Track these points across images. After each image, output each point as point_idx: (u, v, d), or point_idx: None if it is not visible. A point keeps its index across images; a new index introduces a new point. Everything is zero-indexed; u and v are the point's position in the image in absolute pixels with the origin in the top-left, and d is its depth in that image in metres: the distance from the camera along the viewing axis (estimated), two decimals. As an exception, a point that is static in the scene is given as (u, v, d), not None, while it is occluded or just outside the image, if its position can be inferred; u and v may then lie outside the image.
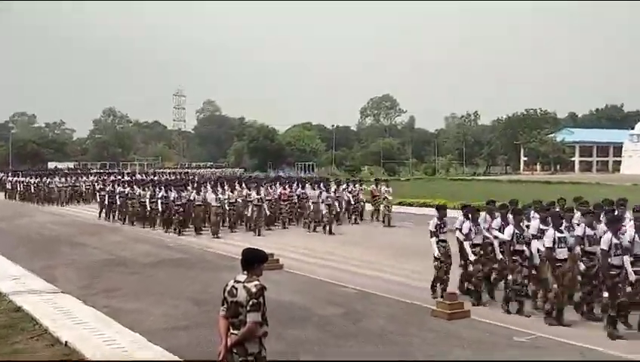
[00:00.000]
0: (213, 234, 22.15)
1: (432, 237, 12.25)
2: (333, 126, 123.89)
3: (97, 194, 31.39)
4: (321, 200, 23.35)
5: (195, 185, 27.01)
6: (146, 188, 25.97)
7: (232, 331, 5.57)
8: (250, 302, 5.45)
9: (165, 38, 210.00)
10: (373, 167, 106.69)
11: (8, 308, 11.33)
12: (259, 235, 22.39)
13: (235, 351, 5.51)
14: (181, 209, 23.21)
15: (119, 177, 41.83)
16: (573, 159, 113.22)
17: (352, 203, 26.94)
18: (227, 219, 24.15)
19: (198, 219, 23.38)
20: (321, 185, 24.90)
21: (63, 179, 40.16)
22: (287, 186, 26.70)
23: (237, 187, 25.28)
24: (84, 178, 43.24)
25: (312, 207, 23.95)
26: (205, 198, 23.30)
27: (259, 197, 23.20)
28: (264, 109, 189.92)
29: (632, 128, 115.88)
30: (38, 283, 13.69)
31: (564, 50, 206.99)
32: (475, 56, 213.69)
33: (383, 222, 25.66)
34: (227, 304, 5.62)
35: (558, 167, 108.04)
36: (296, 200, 26.25)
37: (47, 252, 18.81)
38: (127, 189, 27.31)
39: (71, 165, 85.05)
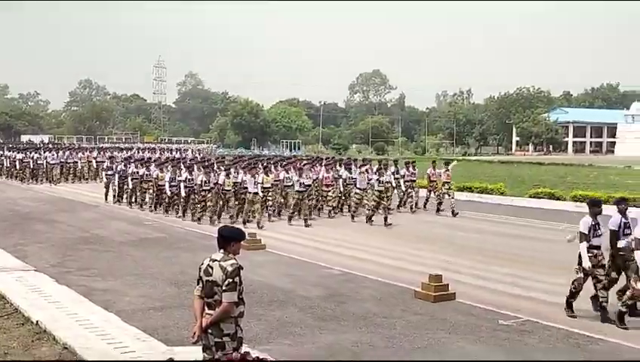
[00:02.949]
0: (244, 224, 19.33)
1: (582, 241, 9.93)
2: (320, 102, 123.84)
3: (104, 174, 27.98)
4: (372, 186, 20.83)
5: (224, 166, 23.76)
6: (165, 170, 23.16)
7: (207, 311, 5.57)
8: (226, 282, 5.45)
9: (145, 7, 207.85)
10: (362, 145, 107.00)
11: (-22, 286, 11.27)
12: (307, 226, 19.76)
13: (210, 331, 5.52)
14: (209, 194, 20.40)
15: (127, 154, 38.66)
16: (566, 140, 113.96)
17: (403, 189, 23.88)
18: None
19: (227, 207, 20.98)
20: (380, 168, 21.64)
21: (54, 154, 37.22)
22: (329, 169, 23.38)
23: (272, 169, 22.35)
24: (80, 153, 39.96)
25: (358, 194, 21.55)
26: (237, 182, 20.58)
27: (301, 180, 20.34)
28: (249, 84, 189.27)
29: (627, 108, 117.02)
30: (10, 260, 13.61)
31: (561, 27, 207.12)
32: (468, 33, 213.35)
33: (438, 211, 23.00)
34: (202, 283, 5.63)
35: (550, 147, 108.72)
36: (339, 186, 22.74)
37: (19, 229, 18.70)
38: (143, 170, 24.19)
39: (45, 139, 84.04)
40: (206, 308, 5.59)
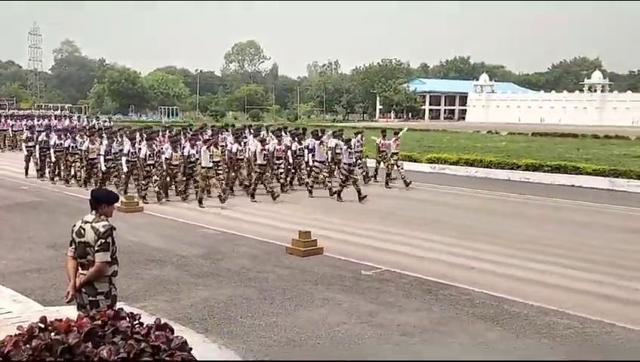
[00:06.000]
0: (200, 203, 16.48)
1: None
2: (197, 70, 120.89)
3: (24, 145, 23.63)
4: (338, 160, 18.74)
5: (166, 137, 20.49)
6: (96, 141, 19.55)
7: (81, 271, 5.41)
8: (99, 242, 5.30)
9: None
10: (238, 112, 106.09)
11: None
12: (274, 199, 17.31)
13: (84, 290, 5.36)
14: (154, 169, 17.46)
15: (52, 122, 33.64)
16: (423, 107, 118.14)
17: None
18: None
19: (179, 183, 17.45)
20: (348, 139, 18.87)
21: None
22: (280, 140, 19.88)
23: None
24: None
25: (317, 168, 19.17)
26: (183, 155, 17.28)
27: (264, 152, 17.58)
28: (126, 52, 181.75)
29: (477, 79, 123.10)
30: None
31: (418, 4, 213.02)
32: (336, 6, 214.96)
33: (387, 183, 20.86)
34: (75, 244, 5.44)
35: (410, 115, 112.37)
36: (288, 158, 19.85)
37: None
38: (68, 141, 20.37)
39: None
40: (80, 268, 5.42)
